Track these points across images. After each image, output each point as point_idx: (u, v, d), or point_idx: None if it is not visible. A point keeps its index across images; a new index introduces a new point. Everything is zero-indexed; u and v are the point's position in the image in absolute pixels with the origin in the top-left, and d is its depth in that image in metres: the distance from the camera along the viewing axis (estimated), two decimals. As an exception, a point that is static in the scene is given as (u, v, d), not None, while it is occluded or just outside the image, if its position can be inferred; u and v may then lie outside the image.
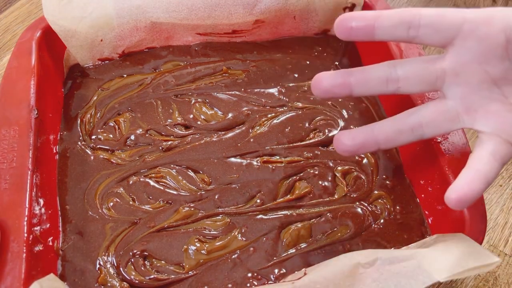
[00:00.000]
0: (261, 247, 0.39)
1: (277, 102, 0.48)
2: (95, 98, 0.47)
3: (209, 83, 0.49)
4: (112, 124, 0.46)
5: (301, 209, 0.41)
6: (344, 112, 0.47)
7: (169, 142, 0.44)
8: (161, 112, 0.46)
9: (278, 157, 0.44)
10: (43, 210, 0.37)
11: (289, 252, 0.39)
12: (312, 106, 0.48)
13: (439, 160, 0.38)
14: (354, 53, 0.53)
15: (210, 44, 0.52)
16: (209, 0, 0.48)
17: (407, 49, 0.45)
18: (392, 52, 0.45)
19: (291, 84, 0.49)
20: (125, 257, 0.38)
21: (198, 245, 0.39)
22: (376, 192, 0.43)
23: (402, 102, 0.43)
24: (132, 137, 0.45)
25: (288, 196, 0.42)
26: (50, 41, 0.45)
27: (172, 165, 0.43)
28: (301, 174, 0.43)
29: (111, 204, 0.40)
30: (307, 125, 0.46)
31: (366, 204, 0.42)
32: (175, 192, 0.41)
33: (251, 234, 0.39)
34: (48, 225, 0.37)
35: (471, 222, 0.35)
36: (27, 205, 0.34)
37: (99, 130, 0.45)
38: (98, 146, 0.44)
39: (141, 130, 0.45)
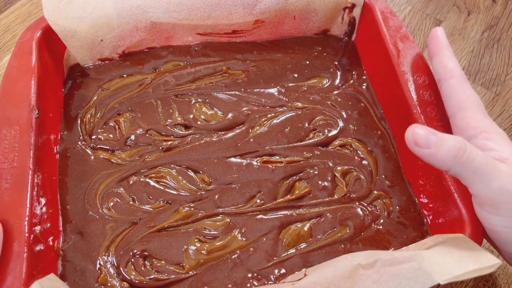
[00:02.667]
0: (261, 247, 0.39)
1: (277, 102, 0.48)
2: (95, 98, 0.47)
3: (209, 83, 0.49)
4: (112, 124, 0.46)
5: (301, 209, 0.41)
6: (343, 112, 0.47)
7: (169, 142, 0.44)
8: (161, 112, 0.46)
9: (278, 157, 0.44)
10: (43, 209, 0.37)
11: (289, 252, 0.39)
12: (312, 106, 0.48)
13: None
14: (353, 53, 0.53)
15: (210, 44, 0.52)
16: (209, 0, 0.48)
17: (404, 49, 0.45)
18: (389, 52, 0.45)
19: (291, 84, 0.50)
20: (125, 257, 0.38)
21: (198, 245, 0.39)
22: (375, 192, 0.43)
23: (400, 103, 0.43)
24: (132, 137, 0.45)
25: (288, 196, 0.42)
26: (50, 41, 0.45)
27: (172, 165, 0.43)
28: (301, 174, 0.43)
29: (111, 204, 0.41)
30: (307, 125, 0.46)
31: (366, 204, 0.42)
32: (175, 192, 0.42)
33: (251, 234, 0.39)
34: (48, 225, 0.37)
35: (471, 222, 0.35)
36: (28, 205, 0.34)
37: (99, 130, 0.45)
38: (98, 146, 0.44)
39: (141, 130, 0.45)
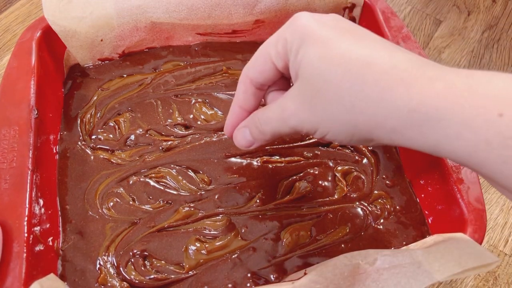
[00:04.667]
0: (261, 247, 0.39)
1: (277, 102, 0.48)
2: (95, 98, 0.47)
3: (209, 83, 0.49)
4: (112, 124, 0.46)
5: (301, 209, 0.41)
6: (344, 112, 0.47)
7: (169, 142, 0.44)
8: (161, 112, 0.46)
9: (278, 157, 0.44)
10: (43, 210, 0.37)
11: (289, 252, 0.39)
12: (312, 106, 0.47)
13: (439, 160, 0.38)
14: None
15: (210, 44, 0.52)
16: (209, 0, 0.48)
17: (407, 49, 0.45)
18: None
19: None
20: (125, 257, 0.38)
21: (198, 245, 0.39)
22: (376, 192, 0.43)
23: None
24: (132, 137, 0.45)
25: (288, 196, 0.42)
26: (50, 41, 0.45)
27: (172, 165, 0.43)
28: (301, 174, 0.43)
29: (111, 204, 0.41)
30: (307, 125, 0.46)
31: (366, 204, 0.42)
32: (175, 192, 0.41)
33: (251, 234, 0.39)
34: (48, 225, 0.37)
35: (471, 222, 0.35)
36: (27, 205, 0.34)
37: (99, 130, 0.45)
38: (98, 146, 0.44)
39: (141, 130, 0.45)
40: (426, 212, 0.41)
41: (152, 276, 0.37)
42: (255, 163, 0.44)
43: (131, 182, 0.42)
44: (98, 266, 0.37)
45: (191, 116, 0.46)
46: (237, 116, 0.34)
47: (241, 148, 0.34)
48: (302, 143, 0.45)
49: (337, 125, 0.28)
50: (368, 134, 0.27)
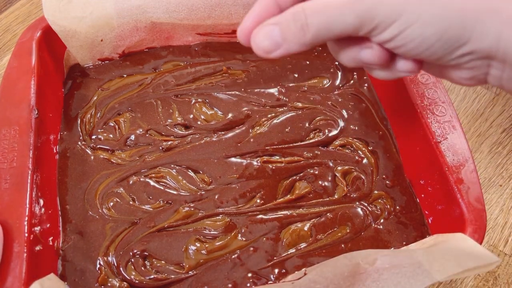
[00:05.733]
0: (261, 247, 0.39)
1: (277, 102, 0.48)
2: (95, 98, 0.47)
3: (209, 83, 0.49)
4: (112, 124, 0.46)
5: (301, 209, 0.41)
6: (344, 112, 0.47)
7: (169, 142, 0.44)
8: (161, 112, 0.46)
9: (278, 157, 0.44)
10: (43, 210, 0.37)
11: (289, 252, 0.39)
12: (312, 106, 0.48)
13: (439, 160, 0.38)
14: (354, 53, 0.53)
15: (210, 44, 0.52)
16: (209, 0, 0.48)
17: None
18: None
19: (291, 84, 0.49)
20: (125, 257, 0.38)
21: (198, 245, 0.39)
22: (376, 192, 0.43)
23: (403, 103, 0.43)
24: (132, 137, 0.45)
25: (288, 196, 0.42)
26: (50, 41, 0.45)
27: (172, 165, 0.43)
28: (301, 174, 0.43)
29: (111, 204, 0.41)
30: (307, 125, 0.46)
31: (366, 204, 0.42)
32: (175, 192, 0.41)
33: (251, 234, 0.39)
34: (48, 225, 0.37)
35: (471, 222, 0.35)
36: (27, 205, 0.34)
37: (99, 130, 0.45)
38: (98, 146, 0.44)
39: (141, 130, 0.45)
40: (426, 212, 0.41)
41: (152, 276, 0.37)
42: (255, 163, 0.44)
43: (131, 182, 0.42)
44: (98, 266, 0.37)
45: (191, 116, 0.46)
46: (266, 9, 0.26)
47: (258, 52, 0.26)
48: (302, 143, 0.45)
49: (429, 10, 0.21)
50: (471, 26, 0.21)
